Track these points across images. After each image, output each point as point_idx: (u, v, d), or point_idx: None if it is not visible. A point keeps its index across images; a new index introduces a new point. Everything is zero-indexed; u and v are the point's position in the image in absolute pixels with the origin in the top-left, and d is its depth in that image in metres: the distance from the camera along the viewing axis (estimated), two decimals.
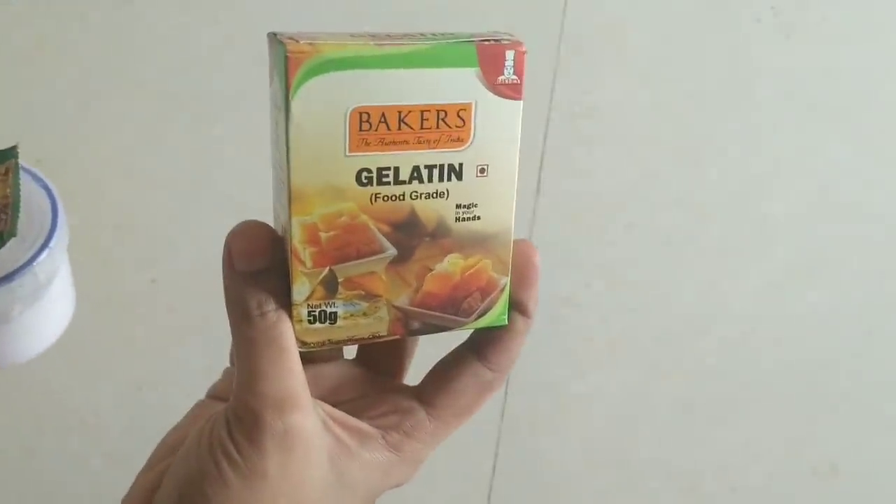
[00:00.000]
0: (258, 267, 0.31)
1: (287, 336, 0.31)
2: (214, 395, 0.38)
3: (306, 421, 0.31)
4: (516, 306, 0.34)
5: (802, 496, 0.78)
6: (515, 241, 0.34)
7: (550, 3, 0.82)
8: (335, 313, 0.34)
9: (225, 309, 0.33)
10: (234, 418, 0.31)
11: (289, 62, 0.30)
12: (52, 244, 0.58)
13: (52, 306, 0.66)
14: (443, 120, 0.33)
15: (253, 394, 0.31)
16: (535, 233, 0.79)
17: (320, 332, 0.34)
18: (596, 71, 0.82)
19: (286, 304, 0.32)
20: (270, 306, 0.31)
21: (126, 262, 0.76)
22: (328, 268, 0.33)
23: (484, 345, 0.34)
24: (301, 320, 0.33)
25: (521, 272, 0.34)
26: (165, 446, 0.35)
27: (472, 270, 0.34)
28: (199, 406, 0.37)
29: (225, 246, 0.32)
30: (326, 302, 0.33)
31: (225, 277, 0.32)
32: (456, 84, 0.33)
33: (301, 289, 0.33)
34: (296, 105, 0.30)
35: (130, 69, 0.79)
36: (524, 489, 0.76)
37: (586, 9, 0.82)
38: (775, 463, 0.78)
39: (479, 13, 0.81)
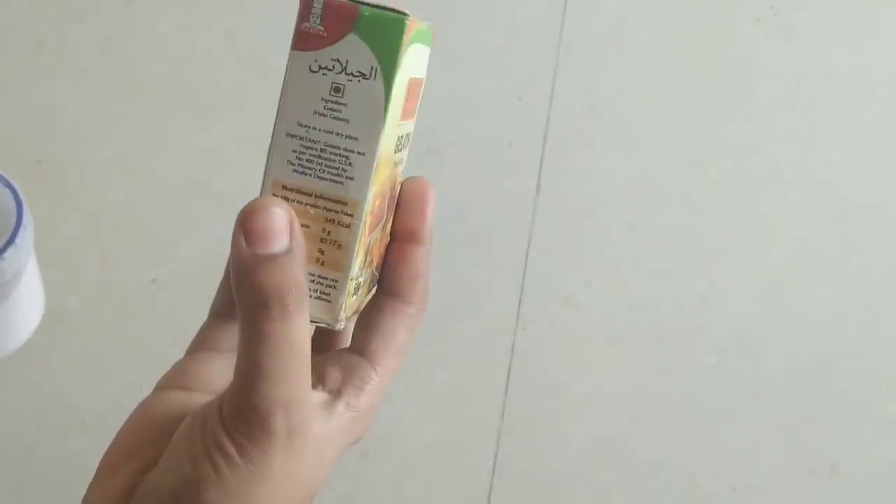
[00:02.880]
0: (279, 249, 0.29)
1: (304, 337, 0.30)
2: (166, 385, 0.35)
3: (311, 422, 0.30)
4: (410, 236, 0.33)
5: (802, 496, 0.78)
6: (411, 178, 0.34)
7: (550, 3, 0.82)
8: (359, 285, 0.33)
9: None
10: (236, 418, 0.29)
11: (406, 30, 0.30)
12: (17, 240, 0.58)
13: (20, 306, 0.66)
14: (415, 93, 0.34)
15: (259, 395, 0.29)
16: (535, 233, 0.79)
17: (351, 306, 0.33)
18: (596, 71, 0.82)
19: (304, 293, 0.29)
20: (291, 298, 0.29)
21: (126, 262, 0.76)
22: (368, 237, 0.33)
23: (393, 285, 0.34)
24: (351, 294, 0.32)
25: (414, 202, 0.33)
26: (121, 449, 0.33)
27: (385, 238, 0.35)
28: (148, 404, 0.34)
29: (238, 224, 0.29)
30: (361, 272, 0.33)
31: (237, 261, 0.29)
32: (424, 59, 0.34)
33: (358, 260, 0.32)
34: (399, 72, 0.31)
35: (130, 69, 0.78)
36: (524, 489, 0.76)
37: (586, 9, 0.82)
38: (775, 463, 0.78)
39: (479, 13, 0.81)
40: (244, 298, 0.29)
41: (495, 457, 0.76)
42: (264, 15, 0.78)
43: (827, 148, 0.82)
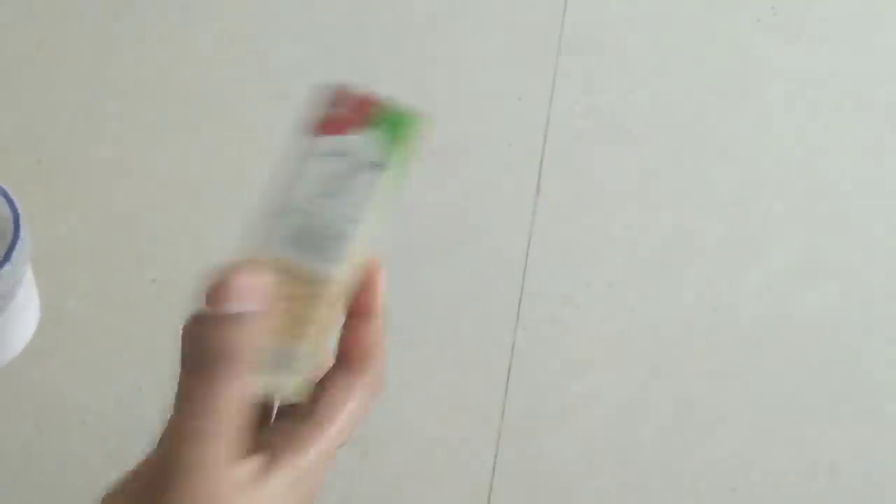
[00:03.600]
0: (238, 310, 0.29)
1: (231, 402, 0.30)
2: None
3: (222, 486, 0.30)
4: (364, 310, 0.34)
5: (802, 496, 0.78)
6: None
7: (550, 3, 0.82)
8: (320, 358, 0.34)
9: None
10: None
11: (419, 134, 0.33)
12: (13, 256, 0.58)
13: (16, 316, 0.66)
14: None
15: (169, 456, 0.29)
16: (534, 233, 0.79)
17: (309, 378, 0.33)
18: (596, 71, 0.82)
19: (245, 359, 0.30)
20: (229, 361, 0.29)
21: (126, 262, 0.76)
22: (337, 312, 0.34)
23: (346, 356, 0.34)
24: (312, 367, 0.33)
25: (367, 280, 0.34)
26: None
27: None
28: None
29: (217, 281, 0.29)
30: (324, 345, 0.34)
31: (192, 315, 0.29)
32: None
33: (325, 335, 0.33)
34: (408, 166, 0.34)
35: (130, 69, 0.79)
36: (524, 489, 0.76)
37: (586, 9, 0.82)
38: (775, 463, 0.78)
39: (479, 13, 0.81)
40: (186, 349, 0.30)
41: (495, 457, 0.76)
42: (264, 15, 0.78)
43: (827, 148, 0.82)
